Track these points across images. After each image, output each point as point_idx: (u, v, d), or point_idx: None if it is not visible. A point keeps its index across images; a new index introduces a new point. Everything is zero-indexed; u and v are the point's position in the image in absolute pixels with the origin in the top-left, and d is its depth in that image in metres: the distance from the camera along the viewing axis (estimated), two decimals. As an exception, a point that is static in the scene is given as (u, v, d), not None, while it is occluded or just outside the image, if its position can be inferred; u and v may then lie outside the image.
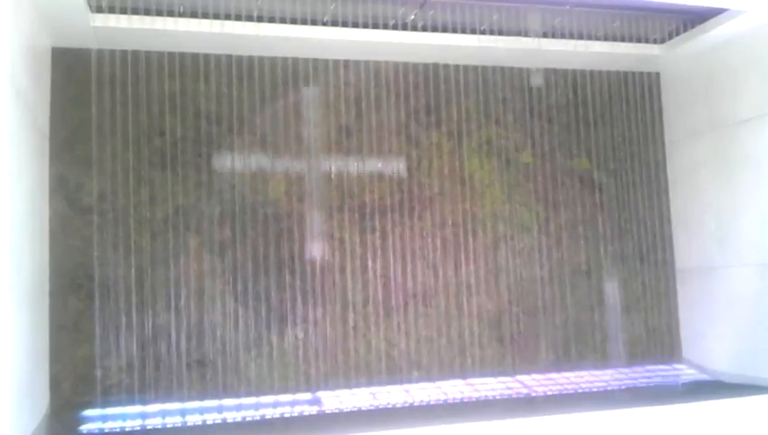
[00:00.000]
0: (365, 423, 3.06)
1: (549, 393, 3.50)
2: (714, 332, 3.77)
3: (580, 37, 3.68)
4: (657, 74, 4.15)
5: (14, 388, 2.30)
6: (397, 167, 3.68)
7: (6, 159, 2.34)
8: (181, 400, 3.23)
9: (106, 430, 2.94)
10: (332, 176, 3.59)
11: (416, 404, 3.32)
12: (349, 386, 3.46)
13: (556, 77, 3.97)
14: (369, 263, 3.59)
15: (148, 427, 3.00)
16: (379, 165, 3.66)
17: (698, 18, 3.58)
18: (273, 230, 3.46)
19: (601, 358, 3.85)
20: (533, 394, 3.49)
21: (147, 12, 3.12)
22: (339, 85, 3.65)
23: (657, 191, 4.08)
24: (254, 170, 3.48)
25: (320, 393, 3.38)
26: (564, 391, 3.52)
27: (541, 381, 3.62)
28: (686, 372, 3.85)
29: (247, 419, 3.10)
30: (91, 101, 3.28)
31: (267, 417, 3.12)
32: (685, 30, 3.70)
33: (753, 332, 3.50)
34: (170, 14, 3.14)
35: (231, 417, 3.10)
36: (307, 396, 3.36)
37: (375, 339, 3.54)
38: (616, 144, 4.05)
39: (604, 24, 3.63)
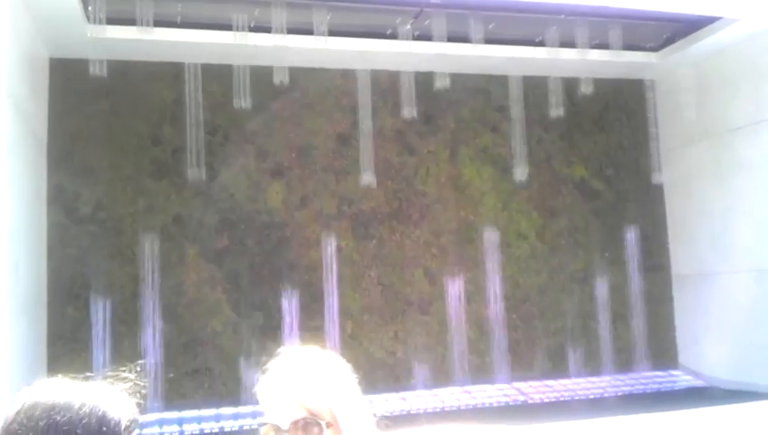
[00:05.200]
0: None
1: (546, 400, 3.50)
2: (710, 338, 3.78)
3: (576, 46, 3.70)
4: (653, 82, 4.17)
5: (11, 397, 2.30)
6: (393, 175, 3.69)
7: (5, 169, 2.35)
8: (179, 408, 3.23)
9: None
10: (329, 184, 3.59)
11: (413, 412, 3.32)
12: (346, 394, 3.45)
13: (552, 85, 3.98)
14: (367, 271, 3.59)
15: (146, 436, 3.00)
16: (376, 173, 3.66)
17: (693, 26, 3.60)
18: (271, 239, 3.47)
19: (598, 365, 3.85)
20: (530, 401, 3.49)
21: (143, 23, 3.13)
22: (336, 94, 3.66)
23: (652, 198, 4.10)
24: (251, 179, 3.49)
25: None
26: (561, 398, 3.52)
27: (538, 389, 3.62)
28: (682, 379, 3.85)
29: (245, 427, 3.10)
30: (89, 110, 3.29)
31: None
32: (680, 38, 3.72)
33: (749, 338, 3.50)
34: (166, 24, 3.15)
35: (228, 426, 3.09)
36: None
37: (372, 347, 3.54)
38: (612, 151, 4.06)
39: (599, 33, 3.64)
